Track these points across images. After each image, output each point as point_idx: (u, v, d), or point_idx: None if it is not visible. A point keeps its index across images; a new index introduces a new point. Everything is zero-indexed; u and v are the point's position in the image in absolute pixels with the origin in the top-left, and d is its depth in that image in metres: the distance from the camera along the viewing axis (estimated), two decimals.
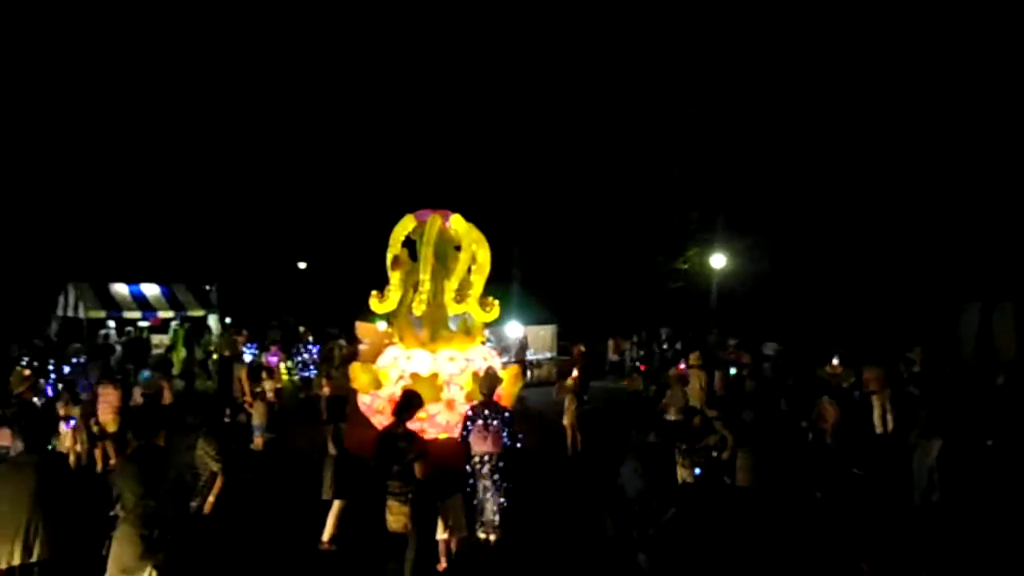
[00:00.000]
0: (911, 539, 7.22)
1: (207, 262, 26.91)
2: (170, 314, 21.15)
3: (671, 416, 10.37)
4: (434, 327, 12.60)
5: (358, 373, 12.38)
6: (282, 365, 15.76)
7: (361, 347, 16.91)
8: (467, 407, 7.85)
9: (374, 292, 13.01)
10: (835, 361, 12.92)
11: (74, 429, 9.31)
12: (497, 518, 6.86)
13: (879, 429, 10.09)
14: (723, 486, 6.66)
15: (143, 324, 20.98)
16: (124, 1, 29.55)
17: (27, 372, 11.66)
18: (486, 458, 6.83)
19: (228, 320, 22.38)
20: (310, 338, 19.29)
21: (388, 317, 14.36)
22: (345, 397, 8.36)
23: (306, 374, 17.54)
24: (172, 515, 4.99)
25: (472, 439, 6.87)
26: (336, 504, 6.72)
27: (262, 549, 6.83)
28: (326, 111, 32.56)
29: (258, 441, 11.48)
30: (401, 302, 12.73)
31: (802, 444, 8.80)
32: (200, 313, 21.67)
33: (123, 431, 9.74)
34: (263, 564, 6.59)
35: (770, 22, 25.63)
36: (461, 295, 12.43)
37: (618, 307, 26.17)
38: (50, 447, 7.46)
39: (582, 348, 14.35)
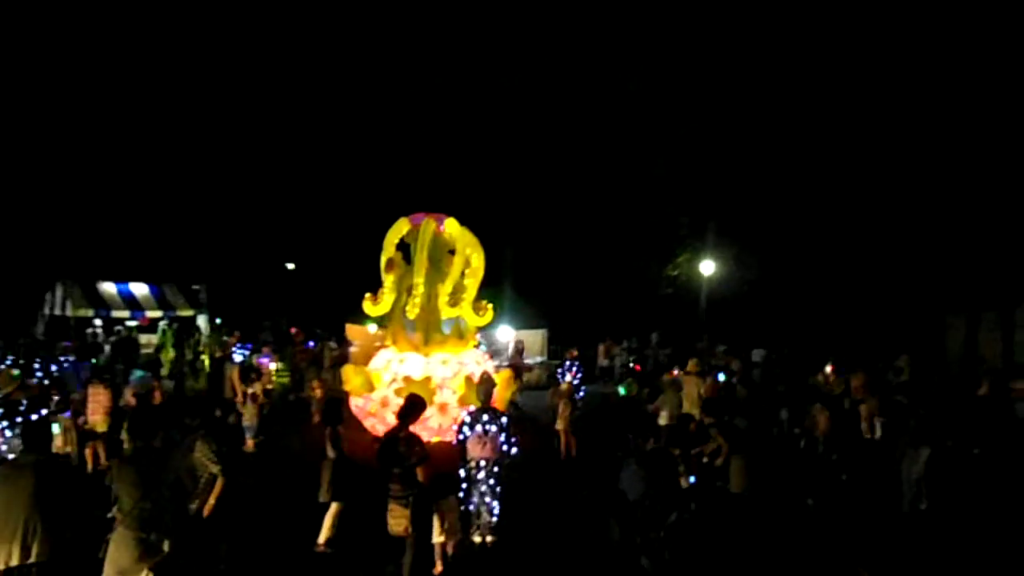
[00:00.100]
0: (901, 545, 7.31)
1: (197, 262, 26.74)
2: (159, 314, 21.00)
3: (662, 421, 10.45)
4: (427, 330, 12.63)
5: (351, 376, 12.40)
6: (273, 366, 15.67)
7: (351, 349, 16.86)
8: (464, 412, 7.87)
9: (367, 295, 13.03)
10: (828, 369, 13.04)
11: (64, 429, 9.23)
12: (494, 520, 6.89)
13: (867, 436, 10.22)
14: (719, 491, 6.73)
15: (131, 324, 20.81)
16: (116, 1, 29.42)
17: (14, 372, 11.53)
18: (482, 463, 6.85)
19: (219, 320, 22.26)
20: (302, 339, 19.20)
21: (380, 320, 14.40)
22: (342, 400, 8.34)
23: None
24: (169, 518, 4.98)
25: (470, 444, 6.89)
26: (333, 507, 6.72)
27: (259, 552, 6.80)
28: (317, 113, 32.49)
29: (249, 443, 11.43)
30: (394, 305, 12.76)
31: (794, 451, 8.90)
32: (189, 313, 21.53)
33: (113, 432, 9.69)
34: (260, 567, 6.57)
35: (757, 33, 25.84)
36: (455, 299, 12.47)
37: (608, 312, 26.26)
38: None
39: (575, 352, 14.41)
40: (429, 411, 10.44)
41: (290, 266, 34.14)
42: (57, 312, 20.67)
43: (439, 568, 6.10)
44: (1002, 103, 19.95)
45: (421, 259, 12.35)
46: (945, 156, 21.17)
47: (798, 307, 25.05)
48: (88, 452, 9.56)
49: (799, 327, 23.15)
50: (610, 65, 28.73)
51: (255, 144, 31.50)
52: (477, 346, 14.12)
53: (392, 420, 11.63)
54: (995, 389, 11.56)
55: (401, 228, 12.87)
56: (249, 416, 11.08)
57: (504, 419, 7.11)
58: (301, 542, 6.93)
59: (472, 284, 12.69)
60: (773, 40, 25.54)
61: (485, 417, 6.98)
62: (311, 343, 19.17)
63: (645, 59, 27.74)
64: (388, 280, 12.69)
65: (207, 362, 18.50)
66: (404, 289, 12.65)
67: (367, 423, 12.00)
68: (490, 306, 12.85)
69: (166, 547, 4.89)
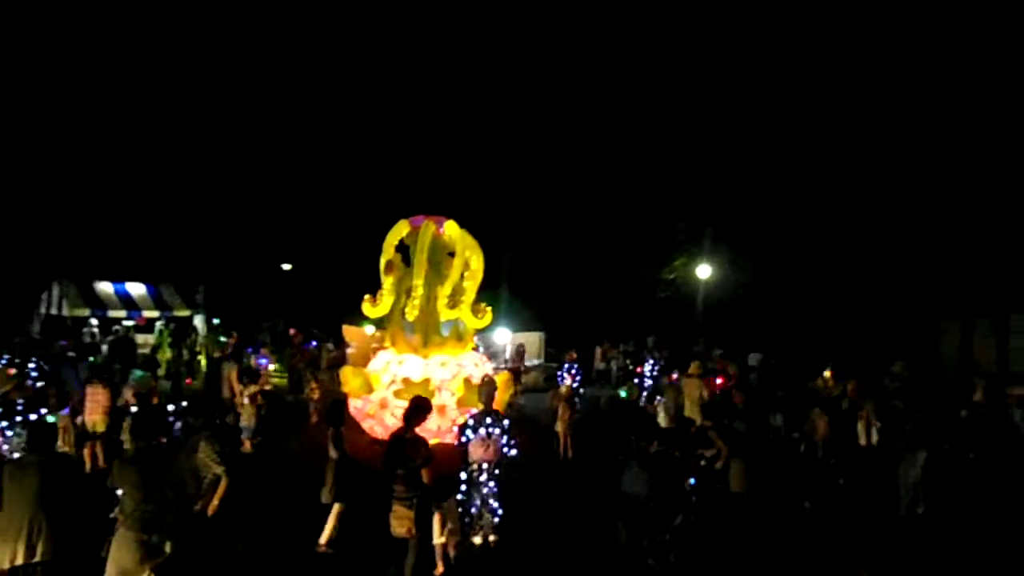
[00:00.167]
0: (898, 548, 7.37)
1: (194, 262, 26.70)
2: (155, 314, 20.96)
3: (661, 423, 10.49)
4: (426, 332, 12.65)
5: (350, 377, 12.40)
6: (271, 367, 15.67)
7: (349, 351, 16.86)
8: (467, 414, 7.90)
9: (367, 296, 13.04)
10: (827, 373, 13.11)
11: (62, 429, 9.21)
12: (496, 520, 6.93)
13: (863, 441, 10.28)
14: (720, 494, 6.77)
15: (128, 323, 20.77)
16: (114, 1, 29.39)
17: (11, 371, 11.49)
18: (484, 465, 6.88)
19: (216, 321, 22.23)
20: (301, 340, 19.20)
21: (378, 321, 14.41)
22: (344, 401, 8.35)
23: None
24: (171, 519, 4.99)
25: (472, 447, 6.92)
26: (336, 507, 6.73)
27: (261, 552, 6.81)
28: (314, 114, 32.50)
29: (247, 444, 11.41)
30: (394, 307, 12.77)
31: (793, 455, 8.95)
32: (186, 313, 21.49)
33: (112, 431, 9.68)
34: (263, 567, 6.58)
35: (754, 42, 25.94)
36: (454, 301, 12.50)
37: (605, 316, 26.32)
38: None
39: (574, 355, 14.44)
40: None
41: (286, 267, 34.09)
42: (53, 311, 20.61)
43: (440, 569, 6.12)
44: (997, 111, 20.07)
45: (420, 261, 12.37)
46: (940, 162, 21.29)
47: (793, 312, 25.15)
48: (87, 452, 9.54)
49: (794, 331, 23.25)
50: (609, 71, 28.81)
51: (253, 145, 31.49)
52: (475, 348, 14.15)
53: (391, 422, 11.68)
54: (990, 395, 11.66)
55: (401, 230, 12.88)
56: (247, 417, 11.05)
57: (506, 422, 7.15)
58: (302, 543, 6.93)
59: (471, 286, 12.71)
60: (770, 48, 25.65)
61: (488, 420, 7.01)
62: (313, 343, 19.13)
63: (643, 66, 27.82)
64: (387, 282, 12.71)
65: (204, 362, 18.49)
66: (403, 291, 12.67)
67: (365, 424, 12.01)
68: (489, 308, 12.88)
69: (168, 548, 4.89)
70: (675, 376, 12.61)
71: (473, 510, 6.80)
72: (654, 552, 5.02)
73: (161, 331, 19.43)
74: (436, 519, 6.24)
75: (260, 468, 9.90)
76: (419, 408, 6.22)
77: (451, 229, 12.71)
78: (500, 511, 6.93)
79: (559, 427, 11.33)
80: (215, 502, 5.99)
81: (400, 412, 11.51)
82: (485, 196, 27.49)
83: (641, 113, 28.08)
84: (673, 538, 5.03)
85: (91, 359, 14.85)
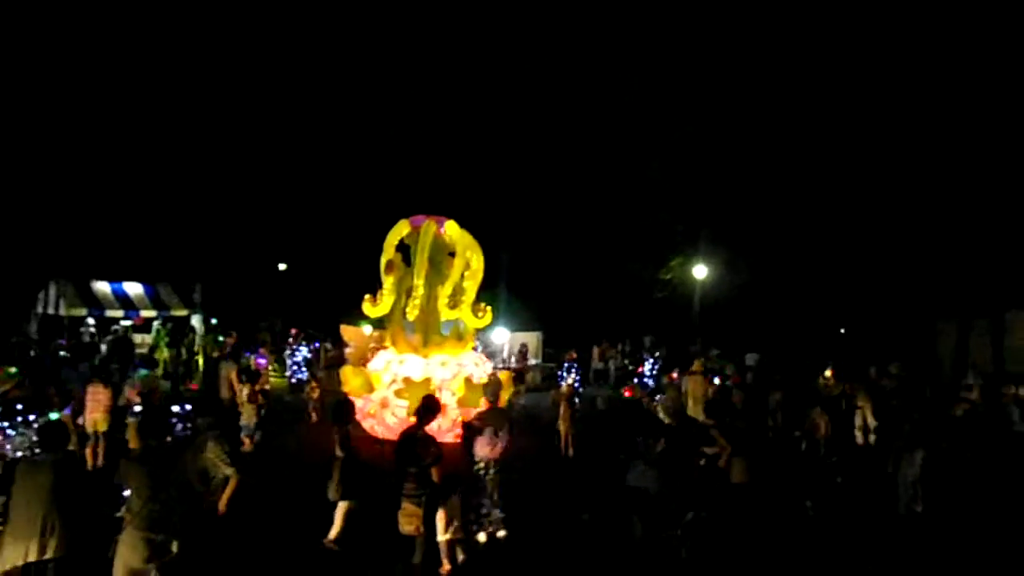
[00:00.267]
0: (898, 546, 7.43)
1: (192, 262, 26.65)
2: (153, 313, 20.93)
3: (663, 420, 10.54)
4: (427, 332, 12.69)
5: (350, 377, 12.43)
6: (270, 367, 15.68)
7: (347, 350, 16.89)
8: (474, 412, 7.95)
9: (367, 296, 13.07)
10: (827, 372, 13.21)
11: None
12: (503, 515, 6.99)
13: (860, 440, 10.37)
14: (724, 488, 6.83)
15: (125, 323, 20.74)
16: (113, 1, 29.30)
17: (11, 369, 11.49)
18: (491, 463, 6.93)
19: (214, 321, 22.21)
20: (302, 340, 19.17)
21: (378, 321, 14.44)
22: (351, 400, 8.37)
23: (301, 376, 17.43)
24: (178, 518, 5.00)
25: (478, 445, 6.96)
26: (343, 505, 6.76)
27: (267, 550, 6.84)
28: (311, 115, 32.47)
29: (247, 442, 11.43)
30: (394, 306, 12.80)
31: (794, 453, 9.02)
32: (183, 313, 21.46)
33: (113, 431, 9.70)
34: (269, 565, 6.60)
35: (752, 45, 26.03)
36: (454, 301, 12.54)
37: (602, 316, 26.39)
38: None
39: (574, 355, 14.51)
40: None
41: (282, 267, 34.07)
42: (50, 311, 20.56)
43: (446, 567, 6.16)
44: (995, 111, 20.18)
45: (421, 261, 12.40)
46: (936, 163, 21.40)
47: (789, 312, 25.27)
48: (88, 451, 9.55)
49: (790, 332, 23.37)
50: (607, 73, 28.86)
51: (251, 144, 31.45)
52: (474, 348, 14.20)
53: (391, 421, 11.72)
54: (986, 394, 11.78)
55: (401, 230, 12.92)
56: (247, 416, 11.07)
57: (511, 420, 7.19)
58: (308, 540, 6.96)
59: (471, 286, 12.76)
60: (767, 50, 25.74)
61: (493, 418, 7.04)
62: (315, 344, 19.10)
63: (641, 68, 27.88)
64: (388, 282, 12.73)
65: (201, 362, 18.49)
66: (403, 291, 12.70)
67: (365, 424, 12.02)
68: (489, 308, 12.93)
69: (174, 548, 4.91)
70: (675, 375, 12.68)
71: (484, 509, 6.84)
72: (665, 548, 5.07)
73: (158, 331, 19.41)
74: (440, 517, 6.28)
75: (261, 467, 9.92)
76: (430, 407, 6.28)
77: (452, 229, 12.75)
78: (504, 509, 6.98)
79: (561, 426, 11.37)
80: (224, 502, 6.01)
81: (401, 411, 11.60)
82: (483, 196, 27.53)
83: (638, 115, 28.14)
84: (684, 533, 5.08)
85: (91, 359, 14.85)
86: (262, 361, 15.39)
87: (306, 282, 31.88)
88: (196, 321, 21.46)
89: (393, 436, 11.25)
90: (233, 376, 12.68)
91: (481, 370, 12.51)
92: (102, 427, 9.76)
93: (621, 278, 28.68)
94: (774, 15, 25.53)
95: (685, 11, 27.24)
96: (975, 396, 11.73)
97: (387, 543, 6.08)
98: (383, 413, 11.86)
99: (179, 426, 8.24)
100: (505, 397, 11.71)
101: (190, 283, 22.53)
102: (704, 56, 26.86)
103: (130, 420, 9.19)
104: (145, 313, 21.02)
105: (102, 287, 20.99)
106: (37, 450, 5.04)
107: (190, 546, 5.18)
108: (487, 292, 14.08)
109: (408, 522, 5.65)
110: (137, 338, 20.09)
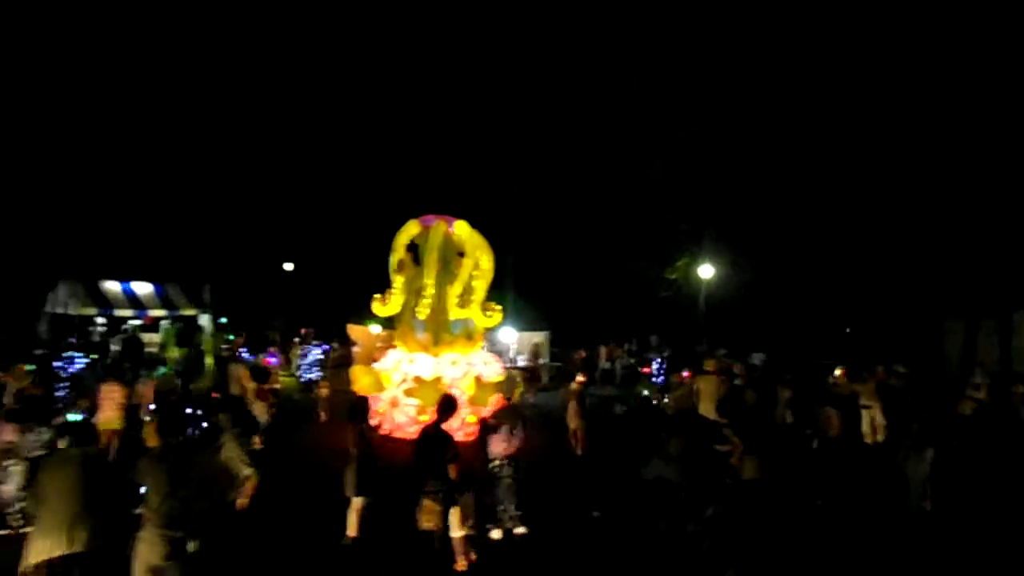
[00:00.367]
0: (909, 544, 7.48)
1: (201, 261, 26.78)
2: (162, 313, 21.02)
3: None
4: (436, 331, 12.77)
5: (360, 375, 12.52)
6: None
7: (354, 349, 16.98)
8: (483, 411, 8.02)
9: (376, 296, 13.16)
10: (837, 372, 13.23)
11: None
12: (519, 512, 7.03)
13: (868, 439, 10.40)
14: (738, 484, 6.89)
15: (134, 322, 20.84)
16: (122, 1, 29.44)
17: (27, 367, 11.60)
18: (506, 460, 7.00)
19: (224, 320, 22.30)
20: (313, 340, 19.27)
21: (386, 320, 14.52)
22: (367, 398, 8.45)
23: (313, 375, 17.52)
24: (197, 515, 5.06)
25: (494, 443, 7.02)
26: (358, 501, 6.83)
27: (284, 547, 6.90)
28: (320, 117, 32.62)
29: (257, 441, 11.50)
30: (404, 306, 12.88)
31: (805, 451, 9.07)
32: (192, 312, 21.55)
33: (129, 428, 9.79)
34: (286, 562, 6.66)
35: (755, 45, 26.05)
36: (464, 300, 12.62)
37: (608, 315, 26.44)
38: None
39: (583, 354, 14.56)
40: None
41: (287, 267, 34.17)
42: (59, 311, 20.65)
43: (462, 563, 6.22)
44: (1000, 111, 20.17)
45: (432, 260, 12.48)
46: (943, 162, 21.40)
47: (795, 312, 25.27)
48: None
49: (796, 331, 23.37)
50: (612, 74, 28.92)
51: (260, 145, 31.59)
52: (481, 347, 14.27)
53: (401, 419, 11.81)
54: (994, 392, 11.79)
55: (411, 230, 13.00)
56: (260, 414, 11.14)
57: (524, 417, 7.27)
58: (324, 537, 7.03)
59: (481, 285, 12.84)
60: (771, 50, 25.75)
61: (509, 415, 7.12)
62: (326, 347, 19.18)
63: (646, 68, 27.92)
64: (398, 281, 12.82)
65: (210, 362, 18.58)
66: (413, 290, 12.78)
67: (375, 422, 12.11)
68: (499, 308, 13.00)
69: (193, 546, 4.96)
70: (686, 374, 12.71)
71: (500, 506, 6.89)
72: (689, 540, 5.13)
73: (166, 330, 19.50)
74: (455, 513, 6.34)
75: (273, 465, 9.99)
76: (448, 405, 6.37)
77: (461, 229, 12.84)
78: (520, 506, 7.03)
79: (573, 423, 11.42)
80: (245, 499, 6.08)
81: (411, 410, 11.68)
82: (490, 197, 27.59)
83: (644, 115, 28.19)
84: (705, 529, 5.14)
85: (103, 358, 14.95)
86: (273, 360, 15.48)
87: (313, 282, 31.98)
88: (205, 321, 21.57)
89: (403, 434, 11.37)
90: (244, 375, 12.80)
91: (491, 369, 12.58)
92: (116, 425, 9.85)
93: (626, 278, 28.73)
94: (778, 16, 25.55)
95: (690, 12, 27.29)
96: (983, 395, 11.75)
97: (402, 539, 6.15)
98: (393, 412, 11.95)
99: (194, 424, 8.32)
100: (516, 394, 11.80)
101: (199, 283, 22.63)
102: (709, 56, 26.89)
103: (147, 418, 9.27)
104: (154, 313, 21.10)
105: (112, 287, 21.07)
106: (61, 446, 5.11)
107: (208, 543, 5.25)
108: (494, 292, 14.17)
109: (428, 519, 5.72)
110: (145, 337, 20.22)
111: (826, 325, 23.58)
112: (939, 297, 21.40)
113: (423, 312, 12.38)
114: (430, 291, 12.40)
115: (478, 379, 11.83)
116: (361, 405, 7.27)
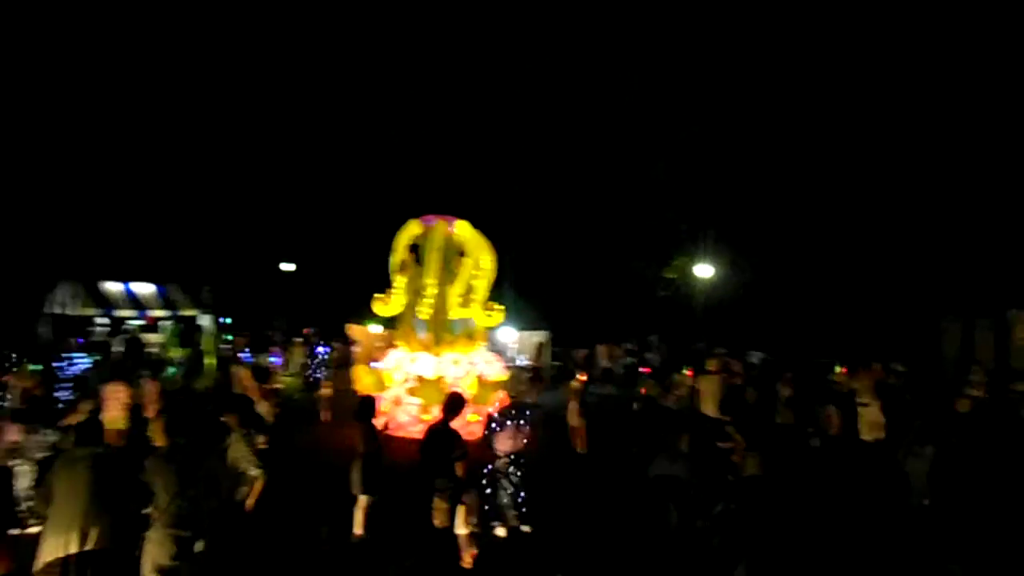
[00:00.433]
0: (911, 542, 7.55)
1: (202, 262, 26.78)
2: (163, 313, 21.08)
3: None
4: (438, 330, 12.84)
5: (362, 375, 12.58)
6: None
7: (355, 349, 17.03)
8: (495, 408, 8.09)
9: (377, 295, 13.21)
10: (839, 369, 13.30)
11: None
12: (524, 510, 7.08)
13: (867, 436, 10.44)
14: (739, 482, 6.96)
15: (135, 323, 20.88)
16: (122, 1, 29.43)
17: (31, 367, 11.65)
18: (511, 457, 7.06)
19: (227, 320, 22.33)
20: (316, 340, 19.27)
21: (387, 320, 14.57)
22: (374, 397, 8.52)
23: (318, 375, 17.54)
24: (205, 515, 5.10)
25: (499, 440, 7.08)
26: (364, 499, 6.89)
27: (291, 546, 6.96)
28: (320, 117, 32.62)
29: (261, 440, 11.53)
30: (405, 306, 12.94)
31: (805, 449, 9.15)
32: (193, 313, 21.60)
33: (133, 428, 9.83)
34: (294, 561, 6.71)
35: (755, 45, 26.14)
36: (466, 299, 12.68)
37: (607, 314, 26.50)
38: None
39: (585, 353, 14.62)
40: (438, 410, 10.65)
41: (285, 267, 34.12)
42: (58, 311, 20.68)
43: (467, 559, 6.28)
44: (997, 110, 20.27)
45: (433, 260, 12.54)
46: (940, 161, 21.50)
47: (793, 311, 25.35)
48: None
49: (794, 331, 23.44)
50: (612, 73, 29.00)
51: (260, 145, 31.59)
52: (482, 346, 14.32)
53: (403, 419, 11.86)
54: (992, 390, 11.86)
55: (412, 230, 13.06)
56: (265, 413, 11.18)
57: (528, 414, 7.33)
58: (330, 535, 7.08)
59: (482, 285, 12.90)
60: (770, 50, 25.85)
61: (515, 412, 7.19)
62: (327, 348, 19.19)
63: (646, 68, 28.00)
64: (400, 281, 12.87)
65: (212, 362, 18.60)
66: (414, 290, 12.84)
67: (378, 421, 12.17)
68: (500, 307, 13.06)
69: (200, 546, 5.00)
70: (688, 373, 12.77)
71: (505, 501, 6.95)
72: (699, 536, 5.21)
73: (168, 330, 19.54)
74: (460, 510, 6.41)
75: (278, 464, 10.04)
76: (456, 403, 6.44)
77: (462, 229, 12.90)
78: (526, 503, 7.10)
79: (575, 421, 11.49)
80: (251, 500, 6.14)
81: (413, 409, 11.75)
82: (489, 197, 27.64)
83: (643, 115, 28.27)
84: (715, 525, 5.21)
85: (106, 359, 14.97)
86: (276, 360, 15.51)
87: (313, 282, 31.98)
88: (206, 321, 21.62)
89: (405, 433, 11.44)
90: (246, 376, 12.83)
91: (493, 368, 12.65)
92: (120, 425, 9.89)
93: (625, 277, 28.79)
94: (779, 16, 25.63)
95: (690, 12, 27.37)
96: (980, 392, 11.82)
97: (407, 537, 6.20)
98: (395, 411, 12.01)
99: (200, 424, 8.33)
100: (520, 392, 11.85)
101: (199, 283, 22.67)
102: (709, 57, 26.98)
103: (160, 418, 9.30)
104: (155, 313, 21.16)
105: (112, 287, 21.12)
106: (73, 445, 5.14)
107: (216, 543, 5.30)
108: (493, 291, 14.23)
109: (436, 516, 5.79)
110: (145, 338, 20.25)
111: (824, 324, 23.64)
112: (936, 296, 21.50)
113: (425, 312, 12.45)
114: (431, 291, 12.46)
115: (480, 378, 11.90)
116: (369, 404, 7.33)
